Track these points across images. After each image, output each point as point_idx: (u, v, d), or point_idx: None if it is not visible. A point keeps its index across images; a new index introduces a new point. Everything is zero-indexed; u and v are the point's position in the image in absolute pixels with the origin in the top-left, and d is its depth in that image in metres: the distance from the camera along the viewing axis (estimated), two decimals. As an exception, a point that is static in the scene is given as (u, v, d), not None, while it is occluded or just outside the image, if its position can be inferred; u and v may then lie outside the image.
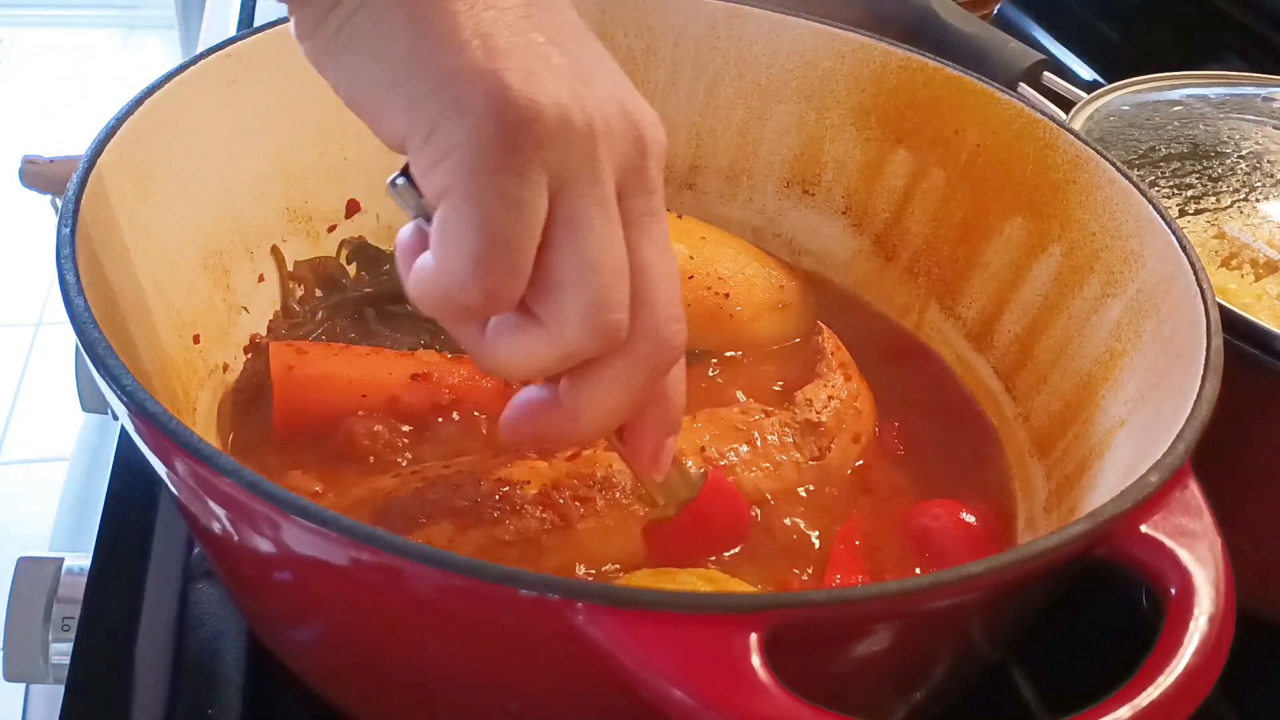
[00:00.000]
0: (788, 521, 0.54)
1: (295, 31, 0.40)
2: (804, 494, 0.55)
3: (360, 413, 0.54)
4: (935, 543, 0.54)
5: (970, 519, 0.55)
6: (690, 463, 0.51)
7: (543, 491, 0.49)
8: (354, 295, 0.63)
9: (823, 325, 0.64)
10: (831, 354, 0.61)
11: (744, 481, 0.54)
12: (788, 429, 0.57)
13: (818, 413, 0.57)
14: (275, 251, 0.61)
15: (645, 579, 0.47)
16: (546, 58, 0.36)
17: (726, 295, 0.63)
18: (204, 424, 0.54)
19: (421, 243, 0.38)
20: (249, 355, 0.59)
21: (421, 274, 0.37)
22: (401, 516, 0.48)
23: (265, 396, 0.56)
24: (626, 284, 0.37)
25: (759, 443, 0.55)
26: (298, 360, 0.56)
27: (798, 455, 0.56)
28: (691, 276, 0.63)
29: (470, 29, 0.36)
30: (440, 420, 0.56)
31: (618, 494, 0.50)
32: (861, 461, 0.58)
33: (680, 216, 0.68)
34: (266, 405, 0.56)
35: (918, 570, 0.53)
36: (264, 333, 0.60)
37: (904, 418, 0.61)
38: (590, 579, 0.49)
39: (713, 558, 0.51)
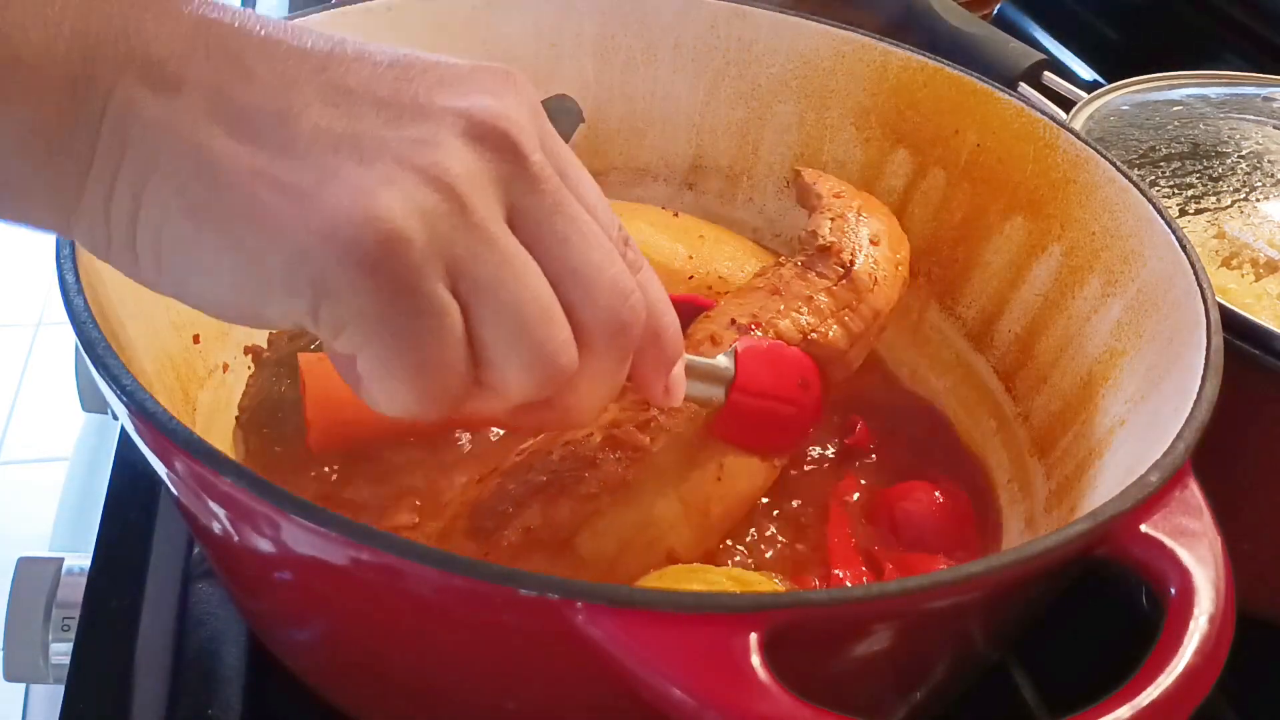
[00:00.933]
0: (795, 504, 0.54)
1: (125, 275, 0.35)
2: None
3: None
4: (911, 526, 0.54)
5: (941, 497, 0.55)
6: (720, 356, 0.50)
7: (606, 435, 0.49)
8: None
9: (798, 169, 0.64)
10: (814, 183, 0.61)
11: (786, 330, 0.53)
12: (801, 264, 0.56)
13: (824, 237, 0.57)
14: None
15: (677, 576, 0.47)
16: (362, 150, 0.32)
17: (728, 295, 0.63)
18: (204, 424, 0.54)
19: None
20: (250, 369, 0.59)
21: (373, 404, 0.35)
22: (492, 516, 0.47)
23: (279, 412, 0.56)
24: (555, 318, 0.35)
25: (782, 290, 0.55)
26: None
27: (825, 282, 0.55)
28: (691, 277, 0.63)
29: (269, 193, 0.31)
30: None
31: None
32: (901, 264, 0.58)
33: (676, 214, 0.68)
34: (282, 422, 0.56)
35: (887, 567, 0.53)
36: (264, 340, 0.60)
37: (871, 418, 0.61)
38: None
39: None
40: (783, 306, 0.54)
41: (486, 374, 0.35)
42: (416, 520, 0.50)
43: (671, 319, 0.41)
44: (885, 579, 0.52)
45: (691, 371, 0.46)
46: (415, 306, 0.32)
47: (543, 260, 0.35)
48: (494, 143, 0.34)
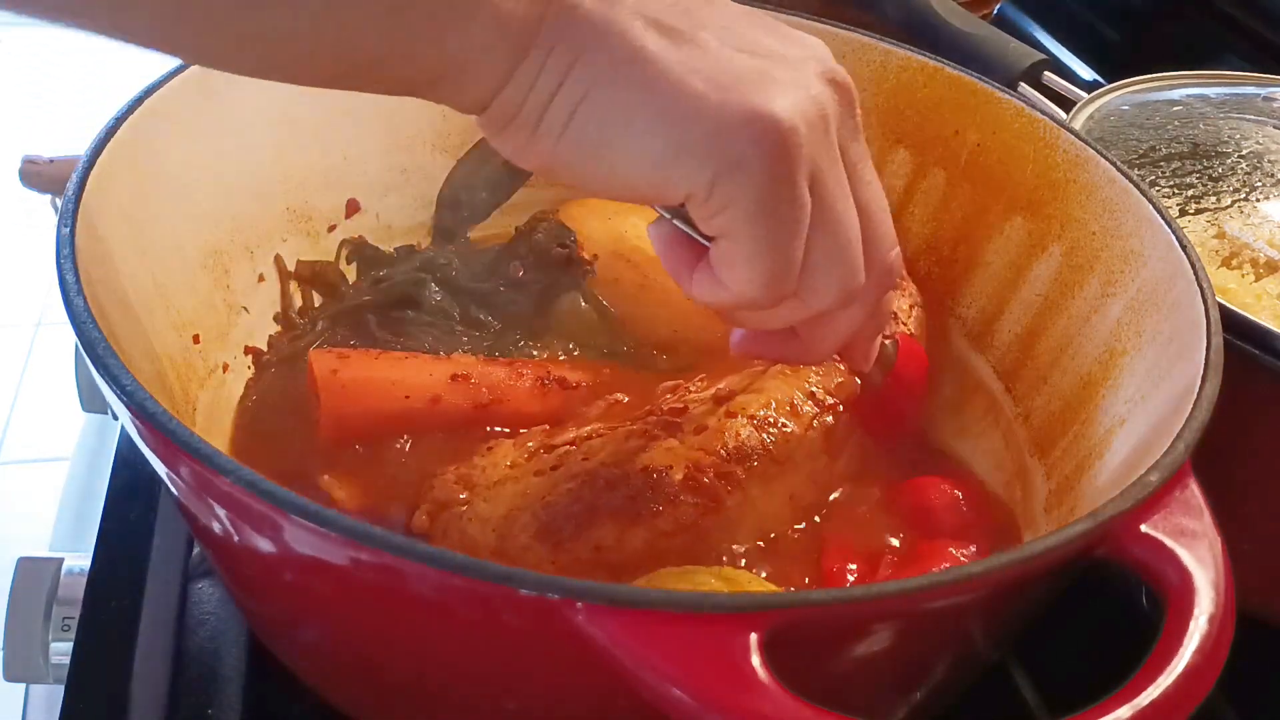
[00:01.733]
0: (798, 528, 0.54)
1: (503, 149, 0.40)
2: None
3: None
4: (929, 520, 0.54)
5: (959, 494, 0.55)
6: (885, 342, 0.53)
7: (688, 475, 0.50)
8: (354, 304, 0.62)
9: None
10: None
11: None
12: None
13: (904, 324, 0.59)
14: (277, 260, 0.61)
15: (665, 579, 0.47)
16: (765, 68, 0.38)
17: None
18: (204, 424, 0.54)
19: (683, 240, 0.41)
20: (250, 370, 0.59)
21: (707, 288, 0.41)
22: (567, 524, 0.48)
23: (279, 413, 0.57)
24: (861, 246, 0.41)
25: None
26: (341, 364, 0.56)
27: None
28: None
29: (698, 81, 0.37)
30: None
31: (754, 462, 0.51)
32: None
33: None
34: (283, 422, 0.56)
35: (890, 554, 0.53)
36: (264, 341, 0.60)
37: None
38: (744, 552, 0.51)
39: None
40: None
41: (805, 278, 0.40)
42: (465, 497, 0.50)
43: (892, 295, 0.46)
44: (879, 573, 0.52)
45: None
46: (794, 195, 0.38)
47: (853, 194, 0.41)
48: (841, 89, 0.41)
